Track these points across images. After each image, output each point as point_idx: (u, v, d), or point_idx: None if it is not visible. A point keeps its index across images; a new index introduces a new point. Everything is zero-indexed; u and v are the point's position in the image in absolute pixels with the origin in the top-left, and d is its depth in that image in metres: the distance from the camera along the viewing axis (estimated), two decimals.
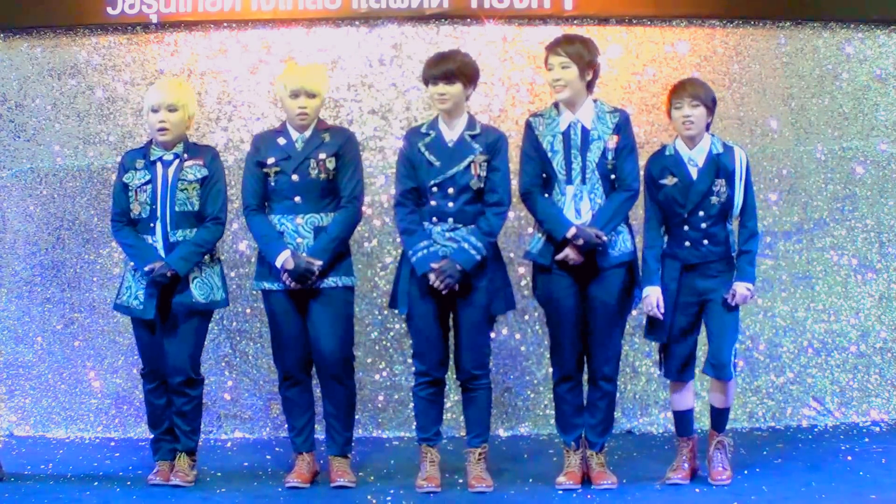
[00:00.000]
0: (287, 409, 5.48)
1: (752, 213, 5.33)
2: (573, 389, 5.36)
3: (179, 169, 5.35)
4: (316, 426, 5.60)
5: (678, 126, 5.26)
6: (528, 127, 5.33)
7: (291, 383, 5.43)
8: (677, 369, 5.34)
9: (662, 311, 5.25)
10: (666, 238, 5.32)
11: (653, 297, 5.27)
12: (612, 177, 5.24)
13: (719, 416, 5.38)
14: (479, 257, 5.21)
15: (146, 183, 5.34)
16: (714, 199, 5.24)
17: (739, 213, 5.31)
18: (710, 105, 5.27)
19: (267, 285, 5.38)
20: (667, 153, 5.31)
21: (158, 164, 5.36)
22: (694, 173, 5.24)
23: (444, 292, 5.22)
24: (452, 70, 5.23)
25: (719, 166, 5.24)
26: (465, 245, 5.21)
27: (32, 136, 6.48)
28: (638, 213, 5.48)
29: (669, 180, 5.26)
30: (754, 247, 5.31)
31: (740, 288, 5.26)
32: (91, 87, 6.46)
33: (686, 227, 5.26)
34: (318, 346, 5.37)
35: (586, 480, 5.33)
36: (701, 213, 5.24)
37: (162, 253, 5.31)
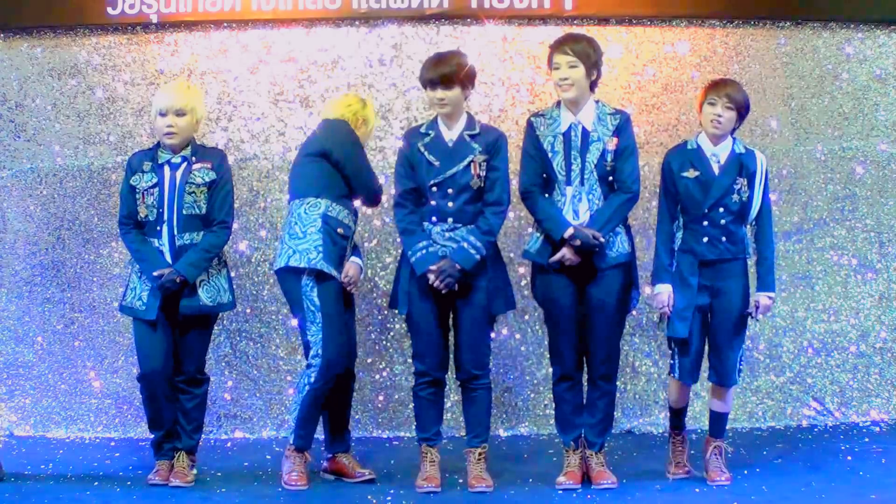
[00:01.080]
0: (320, 406, 5.39)
1: (769, 218, 5.33)
2: (572, 389, 5.36)
3: (187, 172, 5.36)
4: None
5: (705, 122, 5.25)
6: (530, 126, 5.33)
7: (333, 382, 5.36)
8: (691, 369, 5.31)
9: (671, 309, 5.24)
10: (681, 234, 5.30)
11: (664, 295, 5.25)
12: (611, 178, 5.24)
13: (718, 421, 5.38)
14: (478, 257, 5.22)
15: (153, 186, 5.34)
16: (735, 196, 5.23)
17: (755, 217, 5.30)
18: (743, 112, 5.26)
19: (337, 272, 5.36)
20: (689, 147, 5.30)
21: (166, 167, 5.37)
22: (716, 169, 5.24)
23: (443, 292, 5.22)
24: (450, 75, 5.23)
25: (742, 165, 5.24)
26: (465, 244, 5.21)
27: (32, 136, 6.48)
28: (638, 213, 5.48)
29: (691, 173, 5.24)
30: (771, 254, 5.31)
31: (763, 298, 5.27)
32: (91, 87, 6.46)
33: (706, 223, 5.25)
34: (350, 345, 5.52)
35: (586, 480, 5.33)
36: (721, 210, 5.23)
37: (168, 256, 5.32)
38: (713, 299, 5.26)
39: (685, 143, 5.36)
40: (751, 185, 5.25)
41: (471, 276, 5.25)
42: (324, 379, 5.31)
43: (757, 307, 5.28)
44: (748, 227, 5.32)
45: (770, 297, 5.29)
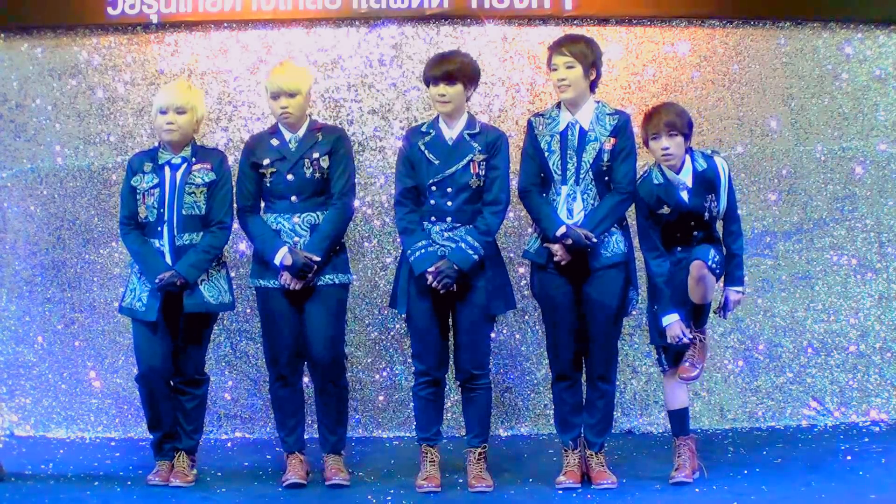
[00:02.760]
0: (278, 408, 5.48)
1: (736, 216, 5.36)
2: (570, 388, 5.37)
3: (188, 172, 5.37)
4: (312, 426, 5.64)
5: (657, 157, 5.24)
6: (530, 126, 5.35)
7: (284, 383, 5.43)
8: (674, 356, 5.36)
9: (690, 337, 5.25)
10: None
11: (676, 327, 5.24)
12: (607, 179, 5.25)
13: (701, 315, 5.34)
14: (476, 257, 5.22)
15: (154, 187, 5.35)
16: (706, 214, 5.26)
17: (723, 217, 5.33)
18: (688, 131, 5.24)
19: (263, 282, 5.40)
20: (655, 181, 5.25)
21: (167, 168, 5.38)
22: (685, 196, 5.24)
23: (441, 292, 5.23)
24: (453, 71, 5.24)
25: (706, 183, 5.24)
26: (463, 245, 5.21)
27: (33, 136, 6.48)
28: (636, 213, 5.47)
29: (665, 209, 5.25)
30: (741, 250, 5.36)
31: (732, 294, 5.32)
32: (91, 87, 6.46)
33: (679, 236, 5.29)
34: (311, 345, 5.39)
35: (586, 480, 5.33)
36: (696, 233, 5.29)
37: (168, 257, 5.33)
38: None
39: (649, 173, 5.29)
40: (717, 195, 5.26)
41: (470, 275, 5.25)
42: (272, 378, 5.46)
43: (726, 303, 5.30)
44: (718, 223, 5.37)
45: (738, 292, 5.34)
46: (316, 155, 5.37)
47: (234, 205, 5.46)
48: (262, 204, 5.47)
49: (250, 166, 5.42)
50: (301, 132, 5.41)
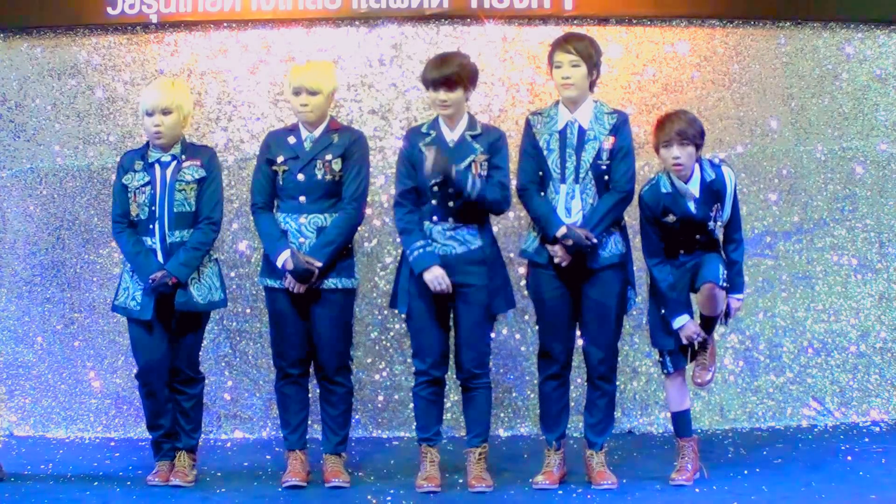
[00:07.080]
0: (283, 405, 5.48)
1: (738, 225, 5.36)
2: (559, 388, 5.37)
3: (177, 170, 5.36)
4: (314, 426, 5.64)
5: (667, 166, 5.23)
6: (528, 125, 5.35)
7: (289, 381, 5.44)
8: (678, 360, 5.37)
9: (705, 334, 5.29)
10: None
11: (690, 327, 5.26)
12: (606, 178, 5.25)
13: (711, 322, 5.37)
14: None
15: (145, 185, 5.35)
16: (711, 223, 5.27)
17: (725, 224, 5.32)
18: (700, 141, 5.23)
19: (270, 282, 5.40)
20: (662, 190, 5.25)
21: (157, 166, 5.37)
22: (692, 207, 5.24)
23: (445, 292, 5.23)
24: (453, 76, 5.22)
25: (713, 193, 5.24)
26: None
27: (32, 136, 6.48)
28: (634, 213, 5.47)
29: (670, 218, 5.25)
30: (741, 257, 5.37)
31: (734, 302, 5.35)
32: (91, 87, 6.46)
33: (682, 239, 5.30)
34: (317, 349, 5.40)
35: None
36: (698, 237, 5.29)
37: (160, 254, 5.32)
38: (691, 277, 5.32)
39: (657, 181, 5.29)
40: (723, 205, 5.27)
41: (471, 274, 5.25)
42: (278, 375, 5.47)
43: (728, 310, 5.32)
44: (720, 229, 5.36)
45: (739, 299, 5.39)
46: (329, 157, 5.36)
47: (250, 199, 5.46)
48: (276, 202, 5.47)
49: (266, 162, 5.42)
50: (318, 132, 5.40)
